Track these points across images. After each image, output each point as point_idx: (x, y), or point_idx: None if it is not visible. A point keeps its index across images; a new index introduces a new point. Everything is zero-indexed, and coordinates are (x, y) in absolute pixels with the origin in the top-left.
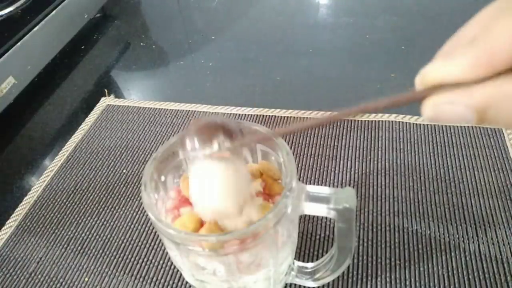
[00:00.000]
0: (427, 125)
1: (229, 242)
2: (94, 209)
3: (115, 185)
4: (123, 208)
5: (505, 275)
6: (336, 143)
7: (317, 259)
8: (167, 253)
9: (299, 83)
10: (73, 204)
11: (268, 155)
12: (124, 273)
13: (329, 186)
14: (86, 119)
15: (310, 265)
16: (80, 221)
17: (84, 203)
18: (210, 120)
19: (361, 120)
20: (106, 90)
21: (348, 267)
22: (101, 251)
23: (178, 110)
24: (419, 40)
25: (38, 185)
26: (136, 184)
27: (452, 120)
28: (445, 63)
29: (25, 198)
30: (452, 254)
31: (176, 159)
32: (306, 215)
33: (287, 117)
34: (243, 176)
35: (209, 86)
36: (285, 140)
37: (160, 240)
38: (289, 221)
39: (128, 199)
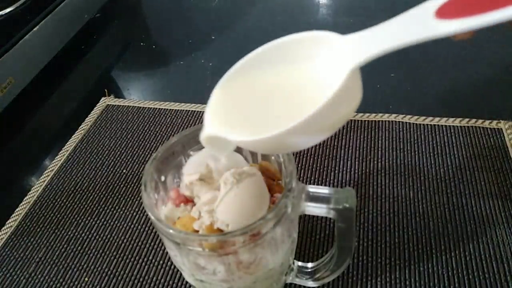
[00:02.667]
0: (427, 125)
1: (229, 242)
2: (94, 209)
3: (115, 185)
4: (123, 208)
5: (505, 275)
6: (336, 143)
7: (317, 259)
8: (167, 253)
9: None
10: (73, 204)
11: (268, 155)
12: (124, 273)
13: (329, 186)
14: (86, 119)
15: (310, 265)
16: (80, 221)
17: (84, 203)
18: None
19: (361, 120)
20: (106, 90)
21: (348, 267)
22: (101, 251)
23: (178, 110)
24: None
25: (38, 185)
26: (136, 184)
27: None
28: None
29: (25, 198)
30: (452, 254)
31: (176, 159)
32: (306, 215)
33: None
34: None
35: (209, 86)
36: None
37: (160, 240)
38: (289, 221)
39: (128, 199)
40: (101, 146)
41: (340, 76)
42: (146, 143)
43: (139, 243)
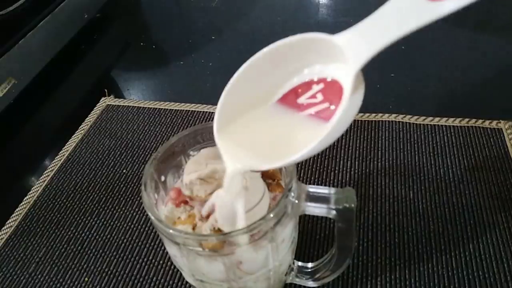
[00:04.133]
0: (427, 125)
1: (229, 242)
2: (94, 209)
3: (115, 185)
4: (123, 208)
5: (505, 275)
6: (336, 143)
7: (317, 259)
8: (167, 253)
9: None
10: (73, 204)
11: None
12: (124, 273)
13: (329, 186)
14: (86, 119)
15: (310, 265)
16: (80, 221)
17: (84, 203)
18: None
19: (361, 120)
20: (106, 90)
21: (348, 267)
22: (101, 251)
23: (178, 110)
24: (419, 40)
25: (38, 185)
26: (136, 184)
27: None
28: None
29: (25, 198)
30: (452, 254)
31: (176, 159)
32: (306, 215)
33: None
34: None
35: (209, 86)
36: None
37: (160, 240)
38: (289, 221)
39: (128, 199)
40: (101, 146)
41: (346, 82)
42: (146, 143)
43: (139, 243)
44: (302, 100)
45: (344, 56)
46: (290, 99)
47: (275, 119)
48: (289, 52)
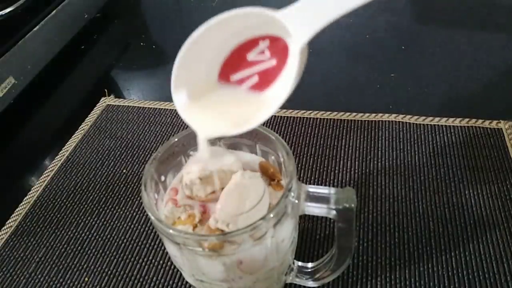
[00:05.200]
0: (427, 125)
1: (229, 242)
2: (94, 209)
3: (115, 185)
4: (123, 208)
5: (505, 275)
6: (336, 143)
7: (317, 259)
8: (167, 253)
9: (299, 83)
10: (73, 204)
11: (267, 155)
12: (124, 273)
13: (329, 186)
14: (86, 119)
15: (310, 265)
16: (80, 221)
17: (84, 203)
18: None
19: (361, 120)
20: (106, 90)
21: (348, 267)
22: (101, 251)
23: None
24: (419, 40)
25: (38, 185)
26: (136, 184)
27: None
28: None
29: (25, 198)
30: (452, 254)
31: (176, 159)
32: (306, 215)
33: (287, 117)
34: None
35: None
36: (285, 140)
37: (160, 240)
38: (289, 221)
39: (128, 199)
40: (101, 146)
41: (292, 56)
42: (146, 143)
43: (139, 243)
44: (251, 56)
45: (288, 32)
46: (234, 68)
47: (225, 95)
48: (235, 26)
